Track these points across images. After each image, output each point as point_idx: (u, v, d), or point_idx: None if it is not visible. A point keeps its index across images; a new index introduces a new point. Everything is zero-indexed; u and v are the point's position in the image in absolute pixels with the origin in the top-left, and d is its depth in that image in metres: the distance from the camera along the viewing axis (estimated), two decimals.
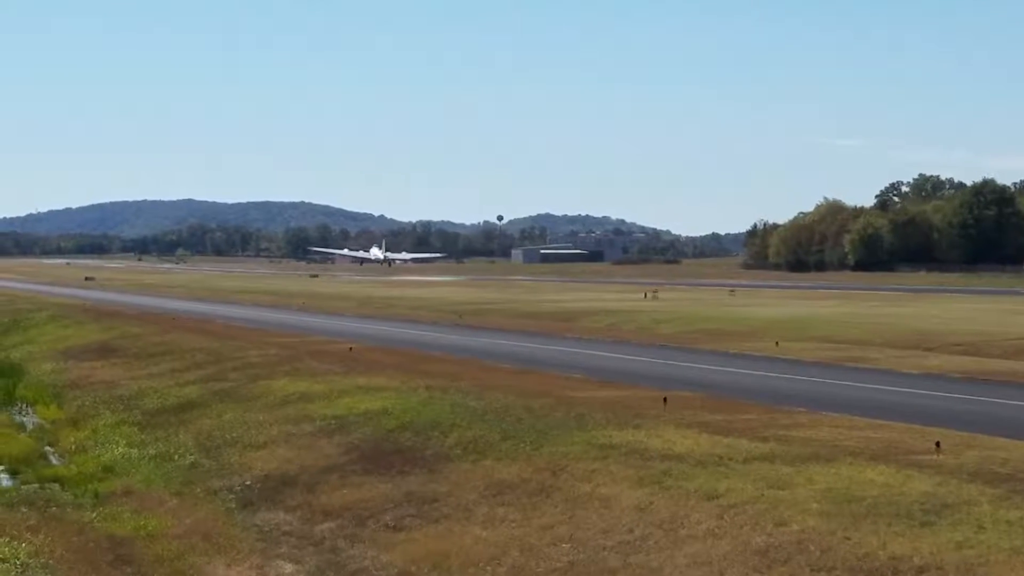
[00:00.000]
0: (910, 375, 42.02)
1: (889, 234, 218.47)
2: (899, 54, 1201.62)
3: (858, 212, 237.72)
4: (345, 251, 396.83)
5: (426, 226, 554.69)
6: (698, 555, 18.68)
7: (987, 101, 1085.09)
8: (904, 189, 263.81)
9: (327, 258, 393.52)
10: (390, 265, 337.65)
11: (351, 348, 52.73)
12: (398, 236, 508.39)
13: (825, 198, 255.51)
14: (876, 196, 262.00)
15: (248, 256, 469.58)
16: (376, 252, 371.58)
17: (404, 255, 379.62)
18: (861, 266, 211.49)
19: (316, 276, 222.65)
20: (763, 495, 20.55)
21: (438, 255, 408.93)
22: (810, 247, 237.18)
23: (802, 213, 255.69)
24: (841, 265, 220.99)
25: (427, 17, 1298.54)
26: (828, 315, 77.78)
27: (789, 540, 18.31)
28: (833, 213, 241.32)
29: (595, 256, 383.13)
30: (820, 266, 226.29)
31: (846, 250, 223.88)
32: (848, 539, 17.87)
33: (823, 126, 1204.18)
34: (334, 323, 76.95)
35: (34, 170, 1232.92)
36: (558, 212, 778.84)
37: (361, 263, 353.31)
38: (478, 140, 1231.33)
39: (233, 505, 27.23)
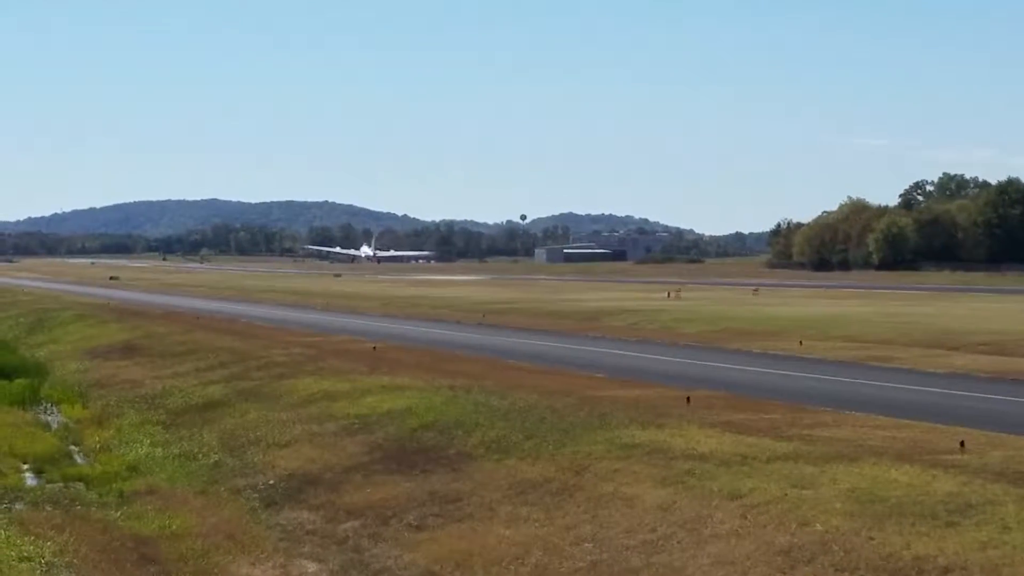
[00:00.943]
0: (934, 374, 41.93)
1: (913, 233, 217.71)
2: (923, 53, 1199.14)
3: (882, 211, 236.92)
4: (337, 249, 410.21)
5: (449, 225, 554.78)
6: (721, 555, 18.67)
7: (1012, 100, 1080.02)
8: (928, 188, 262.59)
9: (331, 257, 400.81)
10: (379, 262, 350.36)
11: (375, 347, 52.82)
12: (421, 235, 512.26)
13: (849, 197, 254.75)
14: (900, 195, 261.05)
15: (272, 255, 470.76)
16: (367, 250, 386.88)
17: (392, 252, 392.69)
18: (885, 265, 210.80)
19: (339, 276, 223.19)
20: (787, 495, 20.52)
21: (426, 253, 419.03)
22: (834, 246, 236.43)
23: (826, 212, 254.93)
24: (865, 264, 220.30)
25: (450, 16, 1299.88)
26: (852, 314, 77.58)
27: (813, 540, 18.28)
28: (857, 212, 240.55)
29: (618, 255, 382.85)
30: (844, 265, 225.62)
31: (870, 249, 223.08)
32: (872, 539, 17.84)
33: (847, 125, 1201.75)
34: (357, 322, 77.06)
35: (59, 170, 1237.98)
36: (581, 211, 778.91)
37: (352, 260, 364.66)
38: (502, 139, 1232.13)
39: (257, 504, 27.30)
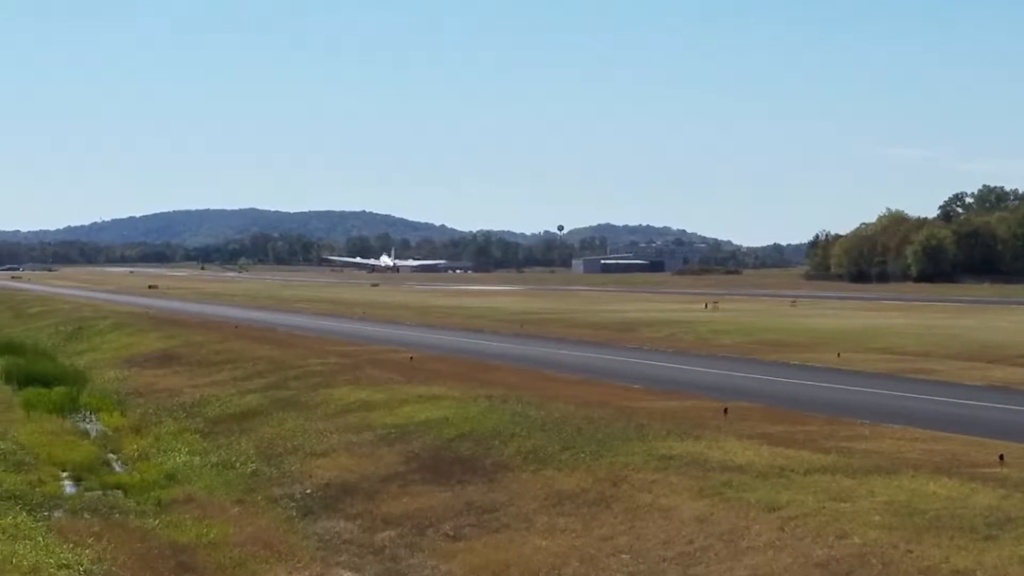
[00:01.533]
0: (973, 387, 41.70)
1: (952, 245, 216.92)
2: (963, 65, 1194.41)
3: (921, 223, 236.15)
4: (358, 259, 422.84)
5: (486, 235, 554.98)
6: (758, 567, 18.61)
7: None
8: (968, 200, 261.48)
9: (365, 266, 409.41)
10: (398, 271, 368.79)
11: (411, 357, 52.82)
12: (458, 245, 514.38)
13: (888, 209, 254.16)
14: (939, 207, 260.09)
15: (310, 265, 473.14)
16: (386, 260, 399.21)
17: (411, 262, 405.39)
18: (924, 277, 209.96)
19: (376, 285, 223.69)
20: (824, 507, 20.46)
21: (442, 262, 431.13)
22: (872, 258, 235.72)
23: (864, 224, 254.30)
24: (904, 276, 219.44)
25: (490, 26, 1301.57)
26: (890, 327, 77.28)
27: (851, 553, 18.21)
28: (896, 224, 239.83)
29: (655, 266, 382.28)
30: (882, 277, 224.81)
31: (909, 261, 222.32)
32: (910, 552, 17.76)
33: (886, 137, 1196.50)
34: (394, 332, 77.11)
35: (98, 179, 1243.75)
36: (619, 222, 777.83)
37: (372, 270, 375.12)
38: (540, 150, 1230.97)
39: (294, 513, 27.37)
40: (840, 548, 18.48)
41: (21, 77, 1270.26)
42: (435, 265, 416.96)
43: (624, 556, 20.46)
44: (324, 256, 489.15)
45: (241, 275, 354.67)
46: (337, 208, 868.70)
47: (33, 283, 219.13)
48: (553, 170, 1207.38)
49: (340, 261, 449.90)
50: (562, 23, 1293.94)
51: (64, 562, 22.28)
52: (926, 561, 17.32)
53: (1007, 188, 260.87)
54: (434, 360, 52.49)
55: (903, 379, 44.92)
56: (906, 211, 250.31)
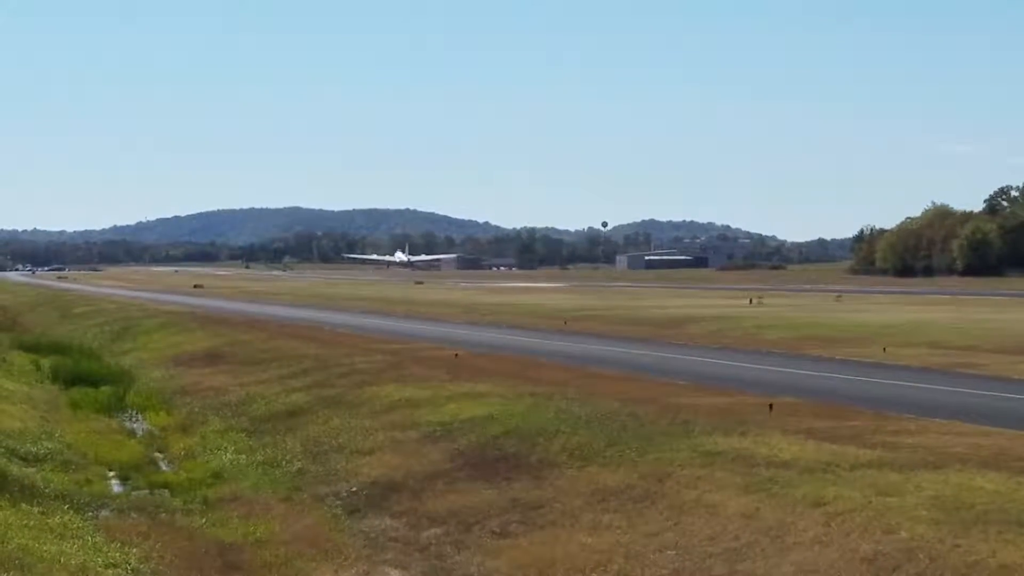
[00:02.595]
0: (1020, 381, 41.44)
1: (998, 239, 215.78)
2: (1008, 58, 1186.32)
3: (966, 217, 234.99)
4: (374, 256, 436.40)
5: (531, 233, 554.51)
6: (805, 563, 18.56)
7: None
8: (1013, 194, 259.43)
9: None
10: (413, 267, 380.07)
11: (456, 354, 52.86)
12: (503, 243, 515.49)
13: (933, 203, 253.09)
14: (985, 201, 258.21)
15: (353, 263, 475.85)
16: (400, 256, 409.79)
17: (424, 257, 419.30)
18: (970, 271, 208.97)
19: (421, 283, 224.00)
20: (871, 502, 20.38)
21: (452, 255, 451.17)
22: (918, 252, 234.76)
23: (910, 218, 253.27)
24: (949, 271, 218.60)
25: (533, 24, 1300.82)
26: (936, 321, 76.85)
27: (897, 548, 18.14)
28: (941, 218, 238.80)
29: (700, 262, 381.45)
30: (928, 272, 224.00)
31: (954, 255, 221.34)
32: (958, 547, 17.67)
33: (931, 131, 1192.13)
34: (439, 329, 77.17)
35: (143, 179, 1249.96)
36: (663, 218, 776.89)
37: (387, 266, 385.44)
38: (584, 147, 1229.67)
39: (340, 511, 27.43)
40: (887, 543, 18.41)
41: (65, 79, 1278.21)
42: (439, 261, 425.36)
43: (670, 552, 20.44)
44: (344, 255, 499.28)
45: (286, 273, 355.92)
46: (381, 206, 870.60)
47: (79, 283, 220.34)
48: (597, 167, 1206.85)
49: (351, 258, 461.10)
50: (606, 20, 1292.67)
51: (111, 561, 22.38)
52: (973, 556, 17.24)
53: None
54: (479, 357, 52.53)
55: (949, 373, 44.68)
56: (951, 205, 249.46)
